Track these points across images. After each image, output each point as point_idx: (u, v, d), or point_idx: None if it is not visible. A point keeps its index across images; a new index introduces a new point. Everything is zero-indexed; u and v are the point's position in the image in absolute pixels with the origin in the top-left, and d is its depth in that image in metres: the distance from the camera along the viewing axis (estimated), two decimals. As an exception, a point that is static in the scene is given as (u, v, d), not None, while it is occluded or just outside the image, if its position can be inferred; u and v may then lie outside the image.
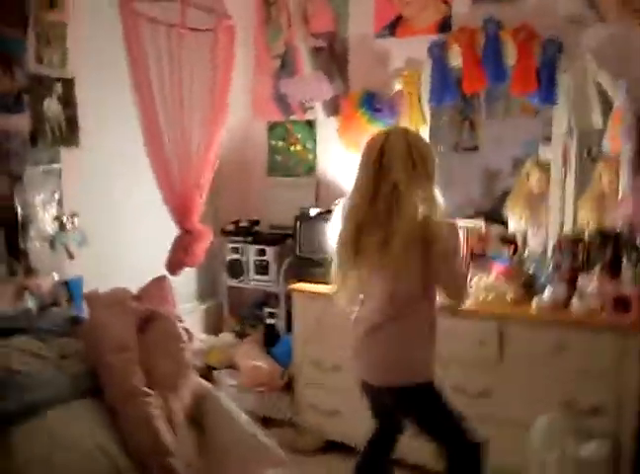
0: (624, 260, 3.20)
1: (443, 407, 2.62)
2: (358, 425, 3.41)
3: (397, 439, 2.90)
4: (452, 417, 2.62)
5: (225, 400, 2.86)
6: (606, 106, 3.41)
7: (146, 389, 2.43)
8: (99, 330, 2.54)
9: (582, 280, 3.29)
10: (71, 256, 3.56)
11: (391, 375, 2.59)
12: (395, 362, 2.57)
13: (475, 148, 4.08)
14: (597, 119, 3.43)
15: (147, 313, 2.68)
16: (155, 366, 2.54)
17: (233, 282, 4.53)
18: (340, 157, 4.32)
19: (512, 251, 3.71)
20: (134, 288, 3.00)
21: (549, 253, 3.54)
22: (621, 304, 3.11)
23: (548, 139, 3.68)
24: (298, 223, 4.18)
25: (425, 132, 3.94)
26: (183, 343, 2.69)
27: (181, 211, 3.58)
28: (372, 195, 2.49)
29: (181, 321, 2.81)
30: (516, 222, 3.72)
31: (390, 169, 2.45)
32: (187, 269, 3.76)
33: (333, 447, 3.87)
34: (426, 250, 2.43)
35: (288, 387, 4.04)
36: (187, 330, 2.78)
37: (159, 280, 3.04)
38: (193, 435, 2.66)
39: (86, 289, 3.25)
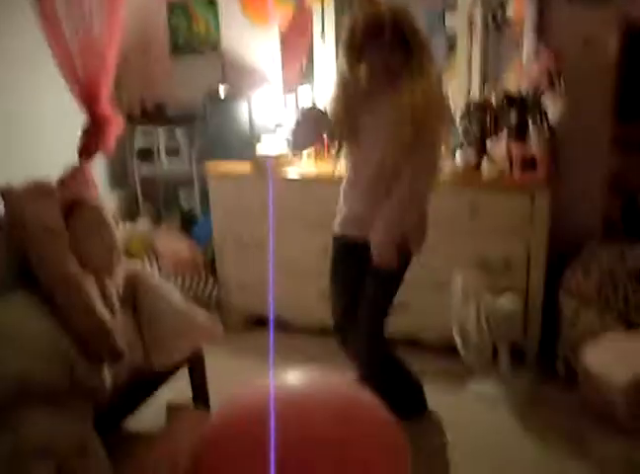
0: (530, 122, 3.33)
1: None
2: (282, 298, 3.56)
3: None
4: None
5: (157, 280, 2.90)
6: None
7: (81, 272, 2.42)
8: (23, 220, 2.47)
9: (490, 143, 3.42)
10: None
11: None
12: None
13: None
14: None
15: (72, 200, 2.62)
16: (87, 251, 2.51)
17: (145, 168, 4.47)
18: (244, 32, 4.24)
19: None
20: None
21: (457, 119, 3.62)
22: (529, 164, 3.27)
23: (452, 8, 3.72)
24: (207, 104, 4.13)
25: (330, 6, 3.95)
26: (111, 226, 2.67)
27: (88, 97, 3.47)
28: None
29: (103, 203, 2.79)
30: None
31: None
32: (97, 156, 3.69)
33: (260, 323, 3.98)
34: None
35: (212, 268, 4.09)
36: (112, 214, 2.76)
37: (79, 167, 2.97)
38: (128, 315, 2.71)
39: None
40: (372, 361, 2.81)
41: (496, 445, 2.93)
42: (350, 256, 2.76)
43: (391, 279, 2.69)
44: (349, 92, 2.55)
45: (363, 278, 2.70)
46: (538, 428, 3.04)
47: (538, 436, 2.97)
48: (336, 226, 2.78)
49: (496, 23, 3.60)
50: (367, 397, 2.16)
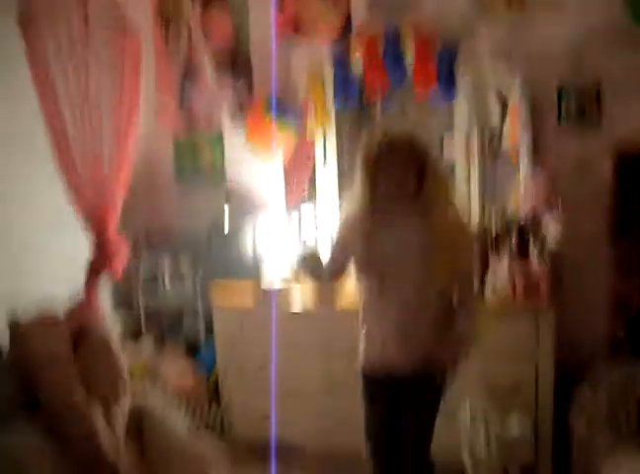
0: (530, 245, 3.40)
1: None
2: (288, 425, 3.51)
3: None
4: None
5: (161, 409, 2.87)
6: (503, 103, 3.65)
7: (87, 402, 2.41)
8: (30, 350, 2.49)
9: (492, 264, 3.47)
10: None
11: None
12: None
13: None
14: (495, 115, 3.65)
15: (79, 329, 2.65)
16: (94, 380, 2.52)
17: (149, 292, 4.49)
18: (249, 165, 4.39)
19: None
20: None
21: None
22: (531, 287, 3.30)
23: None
24: (212, 230, 4.22)
25: (331, 134, 4.10)
26: (118, 356, 2.68)
27: (97, 224, 3.55)
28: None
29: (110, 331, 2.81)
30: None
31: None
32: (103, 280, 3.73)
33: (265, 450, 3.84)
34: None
35: (216, 393, 4.04)
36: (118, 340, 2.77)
37: (86, 297, 3.01)
38: (132, 444, 2.67)
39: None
40: None
41: None
42: (387, 393, 2.69)
43: (437, 401, 2.71)
44: (363, 212, 2.57)
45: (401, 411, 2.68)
46: None
47: None
48: (366, 363, 2.70)
49: (492, 149, 3.74)
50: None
